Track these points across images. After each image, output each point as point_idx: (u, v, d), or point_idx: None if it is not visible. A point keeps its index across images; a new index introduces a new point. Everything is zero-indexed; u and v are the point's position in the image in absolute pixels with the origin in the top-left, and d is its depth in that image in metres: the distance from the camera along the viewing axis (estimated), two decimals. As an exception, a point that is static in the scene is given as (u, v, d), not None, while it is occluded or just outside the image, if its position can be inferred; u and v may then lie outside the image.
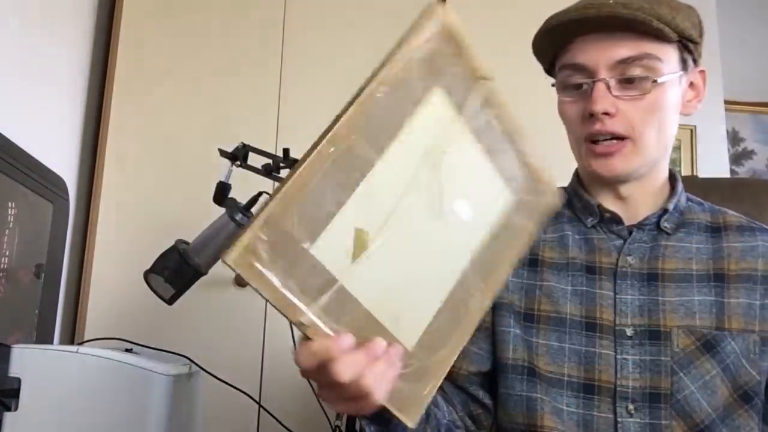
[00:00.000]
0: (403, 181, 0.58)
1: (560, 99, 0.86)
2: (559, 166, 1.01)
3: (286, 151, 1.17)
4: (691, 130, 2.20)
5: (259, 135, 1.63)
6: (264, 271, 0.51)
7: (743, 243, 0.85)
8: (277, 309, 0.52)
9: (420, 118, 0.59)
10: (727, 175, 2.36)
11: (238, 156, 1.20)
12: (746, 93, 2.56)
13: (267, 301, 0.52)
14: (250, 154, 1.20)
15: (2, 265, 1.13)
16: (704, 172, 2.22)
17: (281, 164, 1.16)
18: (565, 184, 0.97)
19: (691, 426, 0.77)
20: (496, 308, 0.88)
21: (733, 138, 2.60)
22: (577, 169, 0.95)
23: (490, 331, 0.88)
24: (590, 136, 0.82)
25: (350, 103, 0.58)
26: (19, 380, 0.86)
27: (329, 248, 0.54)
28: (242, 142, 1.21)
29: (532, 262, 0.89)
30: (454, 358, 0.64)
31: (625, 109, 0.80)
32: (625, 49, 0.80)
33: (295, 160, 1.16)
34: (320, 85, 1.71)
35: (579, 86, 0.83)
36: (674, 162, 2.24)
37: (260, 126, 1.67)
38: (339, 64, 1.72)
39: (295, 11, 1.74)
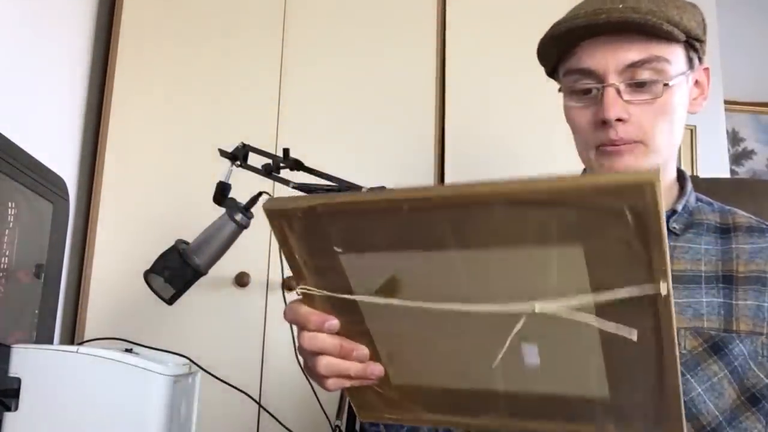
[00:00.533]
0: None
1: (567, 104, 0.85)
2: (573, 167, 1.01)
3: (286, 151, 1.17)
4: (691, 130, 2.20)
5: (259, 135, 1.64)
6: (289, 236, 0.54)
7: (752, 244, 0.84)
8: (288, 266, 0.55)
9: None
10: (727, 175, 2.36)
11: (238, 156, 1.20)
12: (746, 93, 2.56)
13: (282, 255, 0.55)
14: (250, 154, 1.20)
15: (2, 265, 1.13)
16: (704, 172, 2.22)
17: (281, 164, 1.16)
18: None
19: (698, 428, 0.77)
20: None
21: (733, 138, 2.60)
22: (584, 171, 0.95)
23: None
24: (602, 144, 0.81)
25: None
26: (19, 380, 0.86)
27: (359, 267, 0.54)
28: (242, 142, 1.21)
29: None
30: (430, 419, 0.64)
31: (637, 113, 0.79)
32: (633, 52, 0.78)
33: (296, 161, 1.16)
34: (320, 85, 1.71)
35: (587, 91, 0.82)
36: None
37: (260, 126, 1.67)
38: (339, 64, 1.72)
39: (295, 11, 1.74)
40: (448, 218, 0.47)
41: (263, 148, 1.20)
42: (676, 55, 0.81)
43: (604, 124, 0.79)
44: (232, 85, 1.69)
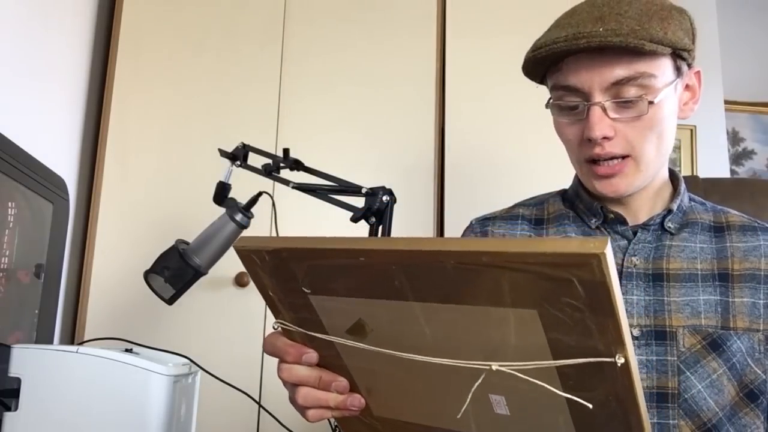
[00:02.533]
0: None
1: (556, 119, 0.86)
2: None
3: (286, 151, 1.17)
4: (691, 130, 2.20)
5: (259, 135, 1.64)
6: (261, 274, 0.55)
7: (746, 243, 0.85)
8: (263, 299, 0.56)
9: None
10: (727, 175, 2.36)
11: (238, 156, 1.20)
12: (746, 93, 2.56)
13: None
14: (250, 154, 1.20)
15: (2, 265, 1.13)
16: (704, 172, 2.22)
17: (281, 164, 1.16)
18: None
19: (698, 425, 0.77)
20: None
21: (733, 138, 2.60)
22: (575, 178, 0.96)
23: None
24: (591, 158, 0.82)
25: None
26: (19, 380, 0.86)
27: (327, 308, 0.55)
28: (242, 142, 1.21)
29: None
30: None
31: (623, 129, 0.79)
32: (618, 69, 0.77)
33: (296, 161, 1.16)
34: (320, 85, 1.71)
35: (573, 107, 0.82)
36: (674, 162, 2.24)
37: (260, 126, 1.67)
38: (339, 64, 1.72)
39: (295, 11, 1.74)
40: (403, 271, 0.47)
41: (263, 148, 1.20)
42: (662, 67, 0.80)
43: (590, 141, 0.80)
44: (232, 85, 1.69)
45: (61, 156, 1.53)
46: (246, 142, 1.21)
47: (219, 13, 1.72)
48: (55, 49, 1.49)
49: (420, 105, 1.72)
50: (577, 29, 0.77)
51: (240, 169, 1.21)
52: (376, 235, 1.05)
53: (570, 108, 0.82)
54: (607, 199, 0.88)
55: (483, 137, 1.72)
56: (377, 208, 1.03)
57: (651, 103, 0.78)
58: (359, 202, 1.05)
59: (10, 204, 1.14)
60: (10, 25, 1.28)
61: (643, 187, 0.86)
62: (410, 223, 1.60)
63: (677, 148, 2.21)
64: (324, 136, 1.68)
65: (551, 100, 0.85)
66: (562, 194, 0.97)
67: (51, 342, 1.40)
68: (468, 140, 1.72)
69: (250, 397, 1.16)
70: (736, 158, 2.61)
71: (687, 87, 0.86)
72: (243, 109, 1.68)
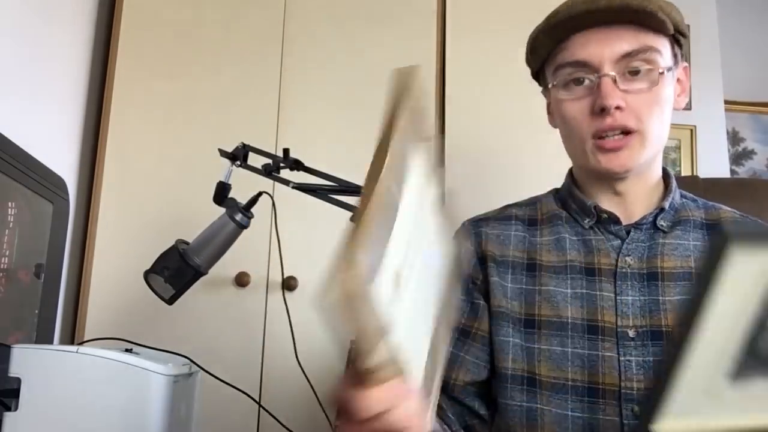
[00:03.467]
0: (408, 227, 0.56)
1: (560, 97, 0.85)
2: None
3: (286, 151, 1.17)
4: (691, 130, 2.20)
5: (259, 135, 1.64)
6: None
7: None
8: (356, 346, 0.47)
9: (413, 173, 0.59)
10: (727, 175, 2.36)
11: (238, 156, 1.20)
12: (746, 93, 2.56)
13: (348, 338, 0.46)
14: (250, 154, 1.20)
15: (2, 265, 1.13)
16: (704, 172, 2.22)
17: (281, 164, 1.16)
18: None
19: None
20: (493, 317, 0.87)
21: (733, 138, 2.60)
22: (570, 170, 0.95)
23: (487, 339, 0.88)
24: (600, 132, 0.82)
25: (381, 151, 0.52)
26: (19, 380, 0.86)
27: (380, 293, 0.50)
28: (242, 142, 1.21)
29: (530, 267, 0.88)
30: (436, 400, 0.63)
31: (633, 102, 0.80)
32: (626, 43, 0.80)
33: (296, 161, 1.16)
34: (320, 85, 1.71)
35: (579, 82, 0.83)
36: (674, 162, 2.24)
37: (260, 126, 1.67)
38: (339, 63, 1.72)
39: (295, 11, 1.74)
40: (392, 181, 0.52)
41: (263, 148, 1.20)
42: (665, 47, 0.83)
43: (602, 112, 0.80)
44: (232, 85, 1.69)
45: (61, 156, 1.53)
46: (246, 142, 1.21)
47: (219, 13, 1.72)
48: (55, 49, 1.49)
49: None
50: None
51: (240, 169, 1.21)
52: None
53: (578, 83, 0.83)
54: (602, 193, 0.88)
55: (483, 136, 1.72)
56: (377, 208, 1.03)
57: (661, 74, 0.80)
58: (359, 202, 1.05)
59: (10, 204, 1.14)
60: (10, 25, 1.28)
61: (640, 178, 0.86)
62: (410, 223, 1.61)
63: (677, 148, 2.21)
64: (324, 136, 1.68)
65: (555, 81, 0.85)
66: (555, 194, 0.96)
67: (51, 342, 1.39)
68: (468, 139, 1.72)
69: (250, 397, 1.16)
70: (736, 158, 2.61)
71: (678, 80, 0.88)
72: (243, 109, 1.68)
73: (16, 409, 0.85)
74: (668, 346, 0.59)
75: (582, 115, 0.83)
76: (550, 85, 0.88)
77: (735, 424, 0.60)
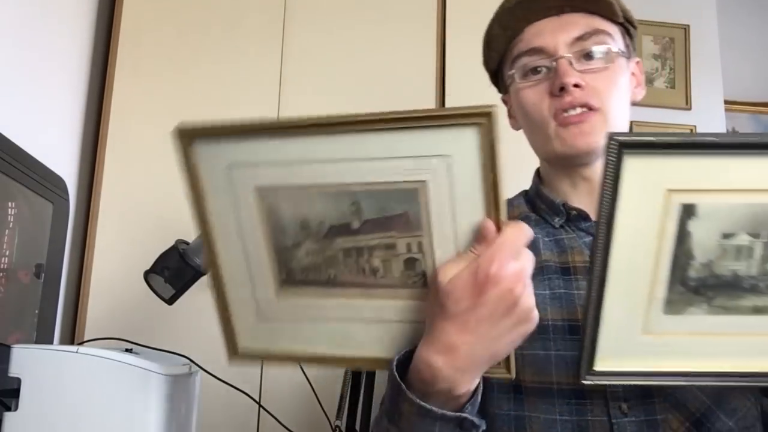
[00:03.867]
0: None
1: (520, 87, 0.87)
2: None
3: (286, 151, 1.17)
4: (691, 130, 2.20)
5: (259, 135, 1.63)
6: None
7: None
8: None
9: None
10: (727, 175, 2.35)
11: (238, 156, 1.20)
12: (746, 93, 2.56)
13: None
14: (250, 154, 1.20)
15: (2, 265, 1.13)
16: (704, 172, 2.22)
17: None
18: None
19: (687, 416, 0.75)
20: None
21: (733, 138, 2.60)
22: (537, 170, 0.95)
23: None
24: (560, 109, 0.82)
25: None
26: (19, 380, 0.86)
27: None
28: (242, 142, 1.21)
29: None
30: None
31: (591, 81, 0.82)
32: (578, 27, 0.83)
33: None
34: (320, 85, 1.71)
35: (538, 70, 0.85)
36: (748, 134, 2.24)
37: (260, 126, 1.67)
38: (339, 63, 1.72)
39: (295, 11, 1.74)
40: None
41: (263, 148, 1.20)
42: (616, 33, 0.86)
43: (561, 91, 0.81)
44: (232, 84, 1.69)
45: (61, 156, 1.53)
46: (246, 142, 1.21)
47: (219, 12, 1.72)
48: (55, 48, 1.49)
49: (420, 105, 1.72)
50: None
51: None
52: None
53: (535, 72, 0.85)
54: (569, 184, 0.87)
55: (483, 137, 1.72)
56: (377, 208, 1.03)
57: (616, 53, 0.84)
58: (359, 202, 1.05)
59: (10, 204, 1.14)
60: (10, 25, 1.28)
61: None
62: (410, 223, 1.61)
63: (677, 148, 2.21)
64: (324, 136, 1.67)
65: (512, 72, 0.87)
66: (524, 196, 0.96)
67: (51, 342, 1.40)
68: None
69: (250, 397, 1.16)
70: (736, 158, 2.61)
71: (633, 74, 0.90)
72: (243, 108, 1.68)
73: (16, 409, 0.85)
74: (589, 276, 0.58)
75: (541, 98, 0.84)
76: (508, 82, 0.90)
77: (679, 366, 0.61)
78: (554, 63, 0.83)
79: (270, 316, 0.64)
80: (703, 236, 0.56)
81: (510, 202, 0.96)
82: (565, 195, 0.88)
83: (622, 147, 0.54)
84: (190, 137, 0.60)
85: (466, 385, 0.59)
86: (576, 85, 0.81)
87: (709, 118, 2.24)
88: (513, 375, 0.62)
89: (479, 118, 0.53)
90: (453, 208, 0.56)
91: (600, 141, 0.82)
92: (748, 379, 0.62)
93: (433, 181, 0.55)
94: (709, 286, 0.59)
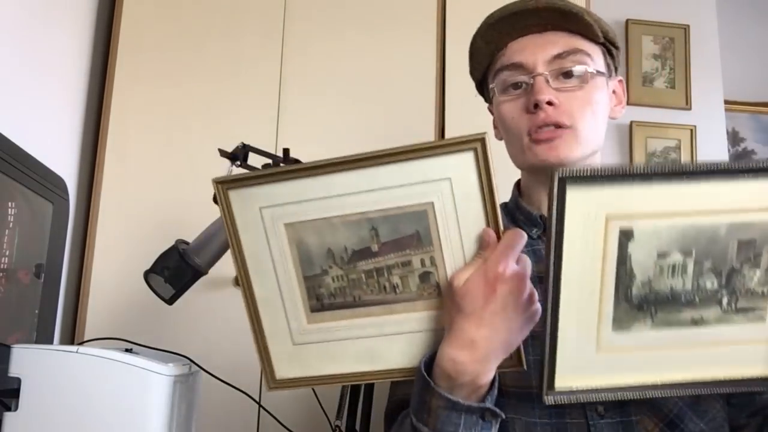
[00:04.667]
0: None
1: (500, 100, 0.89)
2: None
3: (286, 151, 1.17)
4: (691, 130, 2.20)
5: (259, 135, 1.64)
6: None
7: None
8: None
9: None
10: (727, 175, 2.35)
11: (238, 156, 1.20)
12: (746, 93, 2.56)
13: None
14: (250, 154, 1.20)
15: (2, 265, 1.13)
16: (704, 172, 2.22)
17: (281, 164, 1.16)
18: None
19: (661, 417, 0.78)
20: None
21: (733, 138, 2.60)
22: (517, 182, 0.97)
23: None
24: (534, 126, 0.85)
25: None
26: (19, 380, 0.86)
27: None
28: (242, 142, 1.21)
29: None
30: None
31: (565, 100, 0.85)
32: (558, 46, 0.86)
33: (296, 161, 1.16)
34: (320, 85, 1.71)
35: (518, 86, 0.87)
36: (674, 162, 2.24)
37: (260, 126, 1.67)
38: (339, 63, 1.72)
39: (295, 11, 1.74)
40: None
41: (263, 148, 1.20)
42: (596, 53, 0.88)
43: (536, 108, 0.84)
44: (233, 85, 1.69)
45: (61, 156, 1.53)
46: (246, 142, 1.21)
47: (219, 13, 1.72)
48: (55, 49, 1.49)
49: (420, 105, 1.72)
50: (524, 1, 0.88)
51: (240, 169, 1.21)
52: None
53: (514, 86, 0.88)
54: (546, 196, 0.89)
55: (483, 137, 1.72)
56: (377, 208, 1.03)
57: (591, 73, 0.86)
58: (359, 202, 1.05)
59: (10, 204, 1.14)
60: (10, 25, 1.28)
61: None
62: (410, 223, 1.61)
63: (677, 148, 2.21)
64: (324, 136, 1.68)
65: (494, 85, 0.90)
66: (504, 207, 0.98)
67: (51, 342, 1.40)
68: (468, 140, 1.72)
69: (250, 397, 1.16)
70: (736, 158, 2.61)
71: (614, 92, 0.93)
72: (243, 109, 1.68)
73: (16, 409, 0.85)
74: (543, 298, 0.65)
75: (518, 113, 0.87)
76: (491, 95, 0.92)
77: (633, 380, 0.67)
78: (532, 79, 0.86)
79: (302, 341, 0.71)
80: (641, 257, 0.63)
81: None
82: (542, 205, 0.90)
83: (564, 180, 0.60)
84: (225, 186, 0.68)
85: (486, 375, 0.66)
86: (549, 103, 0.83)
87: (709, 118, 2.24)
88: (524, 367, 0.69)
89: (474, 143, 0.63)
90: (458, 223, 0.65)
91: (570, 155, 0.85)
92: (701, 389, 0.68)
93: (440, 201, 0.64)
94: (651, 302, 0.65)
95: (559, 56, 0.85)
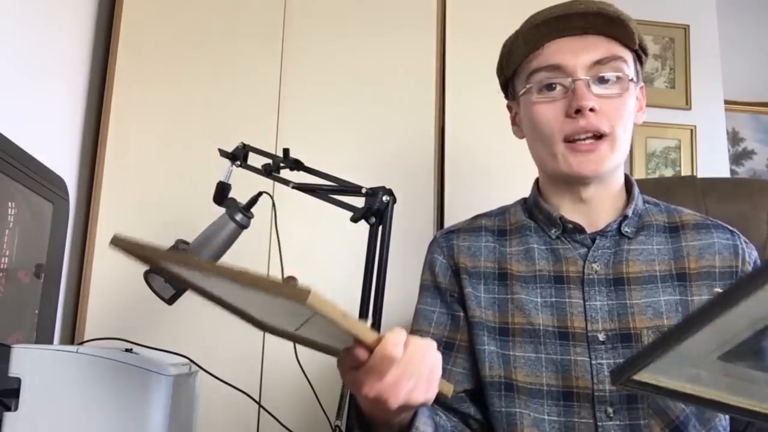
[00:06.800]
0: None
1: (534, 100, 0.88)
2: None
3: (286, 151, 1.18)
4: (691, 130, 2.20)
5: (259, 135, 1.64)
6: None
7: (700, 241, 0.88)
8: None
9: None
10: (727, 175, 2.36)
11: (238, 156, 1.20)
12: (746, 93, 2.56)
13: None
14: (250, 154, 1.21)
15: (2, 265, 1.13)
16: (704, 172, 2.22)
17: (281, 164, 1.16)
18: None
19: (667, 422, 0.79)
20: (471, 327, 0.89)
21: (733, 138, 2.60)
22: (536, 180, 0.98)
23: (469, 350, 0.90)
24: (573, 134, 0.84)
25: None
26: (19, 380, 0.86)
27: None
28: (242, 142, 1.21)
29: (501, 276, 0.91)
30: None
31: (605, 106, 0.84)
32: (598, 51, 0.85)
33: (296, 161, 1.16)
34: (320, 85, 1.71)
35: (552, 87, 0.86)
36: (674, 162, 2.24)
37: (260, 126, 1.67)
38: (339, 64, 1.72)
39: (295, 11, 1.74)
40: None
41: (263, 148, 1.20)
42: (630, 60, 0.88)
43: (577, 113, 0.83)
44: (233, 85, 1.69)
45: (61, 156, 1.53)
46: (246, 142, 1.21)
47: (219, 12, 1.72)
48: (55, 49, 1.49)
49: (420, 105, 1.72)
50: (571, 4, 0.86)
51: (240, 169, 1.21)
52: (376, 235, 1.05)
53: (550, 89, 0.86)
54: (567, 200, 0.89)
55: (483, 137, 1.72)
56: (377, 208, 1.04)
57: (632, 80, 0.86)
58: (359, 202, 1.06)
59: (10, 204, 1.14)
60: (10, 25, 1.28)
61: (605, 184, 0.89)
62: (410, 223, 1.60)
63: (677, 148, 2.21)
64: (324, 136, 1.68)
65: (528, 85, 0.89)
66: (522, 204, 0.98)
67: (51, 342, 1.40)
68: (468, 140, 1.72)
69: (250, 397, 1.16)
70: (736, 158, 2.61)
71: (637, 98, 0.92)
72: (243, 109, 1.68)
73: (16, 409, 0.85)
74: (688, 316, 0.60)
75: (555, 117, 0.86)
76: (520, 93, 0.92)
77: (702, 393, 0.65)
78: (573, 83, 0.84)
79: None
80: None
81: (507, 209, 0.99)
82: (561, 208, 0.91)
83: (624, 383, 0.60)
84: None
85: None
86: (591, 109, 0.83)
87: (709, 118, 2.24)
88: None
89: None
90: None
91: (605, 167, 0.86)
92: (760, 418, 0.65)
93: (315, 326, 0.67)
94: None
95: (599, 62, 0.85)
